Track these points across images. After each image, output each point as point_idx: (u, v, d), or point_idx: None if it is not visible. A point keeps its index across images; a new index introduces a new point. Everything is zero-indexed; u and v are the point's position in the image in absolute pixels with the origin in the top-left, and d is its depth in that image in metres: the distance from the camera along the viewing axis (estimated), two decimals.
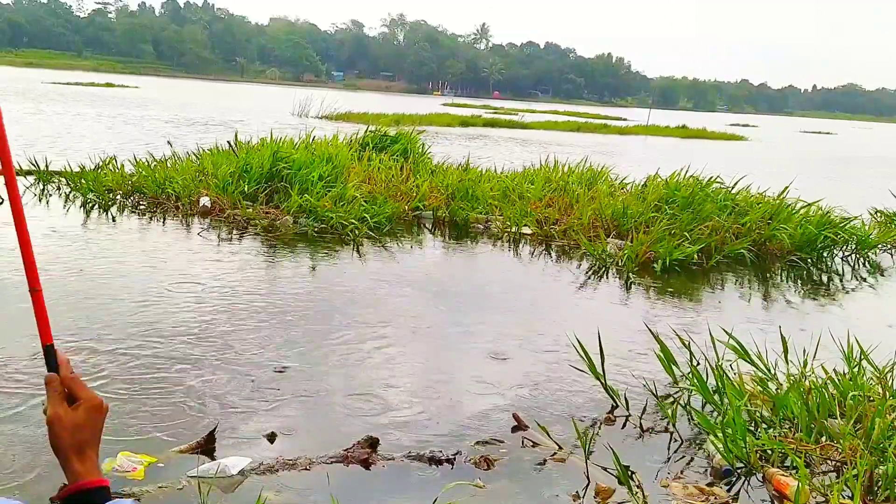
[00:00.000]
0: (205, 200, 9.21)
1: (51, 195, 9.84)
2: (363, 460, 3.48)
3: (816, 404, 3.92)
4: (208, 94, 56.01)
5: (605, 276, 7.73)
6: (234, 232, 8.38)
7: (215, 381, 4.28)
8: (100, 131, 19.45)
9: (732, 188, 10.09)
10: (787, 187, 10.08)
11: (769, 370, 4.56)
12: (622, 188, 11.22)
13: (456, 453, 3.59)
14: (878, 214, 11.48)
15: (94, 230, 8.09)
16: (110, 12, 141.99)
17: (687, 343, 4.65)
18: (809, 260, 9.12)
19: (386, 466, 3.47)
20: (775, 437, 3.76)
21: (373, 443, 3.55)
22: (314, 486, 3.23)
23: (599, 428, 4.05)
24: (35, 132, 17.60)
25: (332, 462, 3.43)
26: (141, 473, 3.18)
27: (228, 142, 11.50)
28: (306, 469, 3.36)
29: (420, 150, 12.99)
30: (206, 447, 3.46)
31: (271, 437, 3.65)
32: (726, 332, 4.79)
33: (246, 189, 9.30)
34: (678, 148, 30.04)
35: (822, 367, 4.48)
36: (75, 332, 4.86)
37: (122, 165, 10.78)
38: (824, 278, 8.71)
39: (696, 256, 8.36)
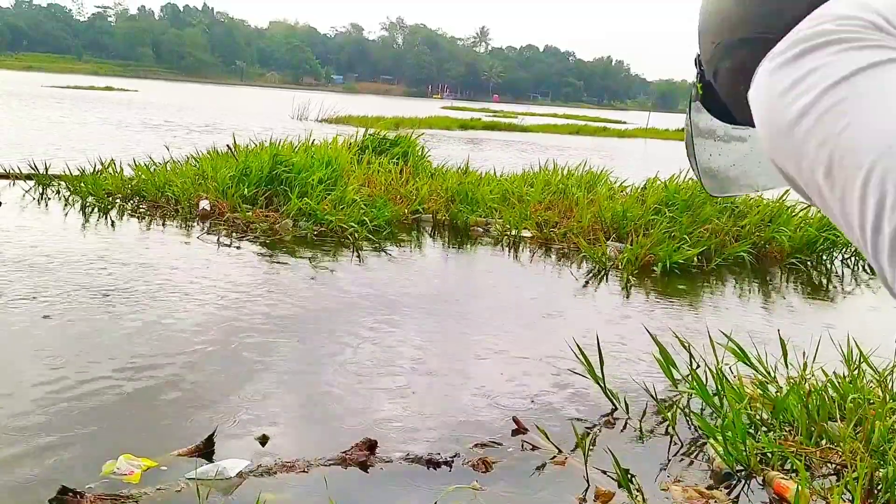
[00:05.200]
0: (204, 204, 9.21)
1: (50, 199, 9.84)
2: (361, 463, 3.47)
3: (816, 407, 3.91)
4: (207, 97, 56.06)
5: (604, 279, 7.72)
6: (234, 235, 8.37)
7: (214, 384, 4.28)
8: (99, 134, 19.46)
9: None
10: (787, 190, 10.05)
11: (769, 373, 4.56)
12: (622, 191, 11.22)
13: (454, 456, 3.58)
14: None
15: (93, 233, 8.08)
16: (110, 16, 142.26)
17: (686, 346, 4.64)
18: (809, 262, 9.12)
19: (384, 469, 3.46)
20: (775, 440, 3.76)
21: (371, 445, 3.55)
22: (312, 489, 3.23)
23: (599, 431, 4.04)
24: (34, 135, 17.61)
25: (330, 464, 3.42)
26: (137, 477, 3.18)
27: (227, 145, 11.50)
28: (304, 471, 3.35)
29: (419, 153, 12.99)
30: (206, 450, 3.46)
31: (263, 440, 3.64)
32: (726, 336, 4.79)
33: (245, 192, 9.30)
34: (678, 150, 30.01)
35: (822, 370, 4.47)
36: (75, 334, 4.85)
37: (122, 169, 10.78)
38: (824, 281, 8.71)
39: (695, 259, 8.36)
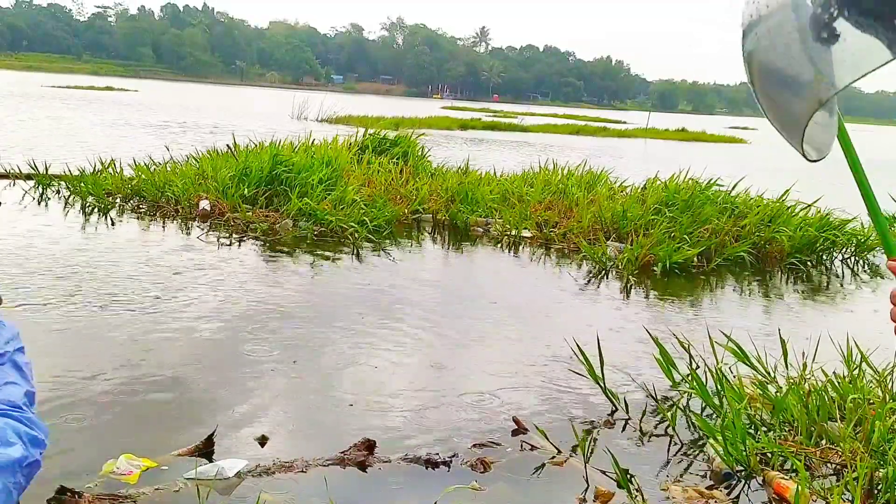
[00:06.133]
0: (204, 204, 9.20)
1: (50, 199, 9.83)
2: (360, 462, 3.47)
3: (816, 407, 3.91)
4: (209, 97, 56.04)
5: (604, 280, 7.72)
6: (234, 235, 8.37)
7: (214, 384, 4.28)
8: (99, 135, 19.45)
9: (731, 190, 10.10)
10: (787, 190, 10.09)
11: (769, 373, 4.55)
12: (622, 191, 11.22)
13: (452, 455, 3.58)
14: None
15: (93, 233, 8.08)
16: (110, 16, 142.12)
17: (686, 346, 4.64)
18: (809, 262, 9.12)
19: (382, 469, 3.46)
20: (775, 440, 3.75)
21: (370, 445, 3.54)
22: (311, 489, 3.23)
23: (599, 431, 4.04)
24: (34, 136, 17.61)
25: (328, 464, 3.42)
26: (135, 478, 3.17)
27: (227, 145, 11.50)
28: (302, 471, 3.35)
29: (419, 153, 12.99)
30: (205, 450, 3.46)
31: (262, 441, 3.64)
32: (726, 336, 4.79)
33: (246, 192, 9.29)
34: (678, 150, 30.05)
35: (822, 370, 4.47)
36: (74, 334, 4.85)
37: (122, 169, 10.78)
38: (824, 281, 8.70)
39: (695, 259, 8.36)
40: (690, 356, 4.55)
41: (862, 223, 10.20)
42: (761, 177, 14.04)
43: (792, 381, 4.33)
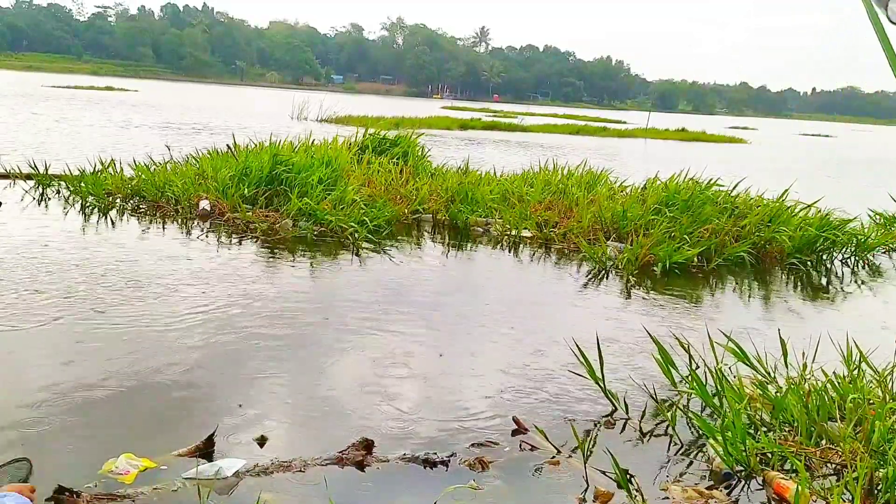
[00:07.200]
0: (204, 204, 9.20)
1: (50, 199, 9.83)
2: (358, 462, 3.46)
3: (816, 407, 3.91)
4: (208, 97, 56.02)
5: (604, 280, 7.72)
6: (234, 235, 8.37)
7: (214, 385, 4.27)
8: (99, 135, 19.45)
9: (732, 190, 10.10)
10: (786, 190, 10.08)
11: (769, 373, 4.55)
12: (622, 191, 11.21)
13: (451, 455, 3.57)
14: (877, 216, 11.48)
15: (93, 233, 8.08)
16: (110, 16, 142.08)
17: (686, 346, 4.64)
18: (809, 262, 9.11)
19: (381, 468, 3.45)
20: (775, 440, 3.75)
21: (368, 445, 3.54)
22: (310, 488, 3.22)
23: (599, 431, 4.04)
24: (34, 136, 17.61)
25: (326, 464, 3.42)
26: (132, 477, 3.17)
27: (228, 145, 11.51)
28: (301, 471, 3.35)
29: (419, 153, 12.98)
30: (205, 450, 3.46)
31: (262, 441, 3.63)
32: (726, 336, 4.78)
33: (246, 192, 9.29)
34: (677, 150, 30.04)
35: (822, 370, 4.47)
36: (75, 335, 4.85)
37: (122, 169, 10.78)
38: (824, 281, 8.70)
39: (695, 259, 8.35)
40: (690, 356, 4.55)
41: (862, 223, 10.20)
42: (761, 177, 14.05)
43: (792, 381, 4.33)
